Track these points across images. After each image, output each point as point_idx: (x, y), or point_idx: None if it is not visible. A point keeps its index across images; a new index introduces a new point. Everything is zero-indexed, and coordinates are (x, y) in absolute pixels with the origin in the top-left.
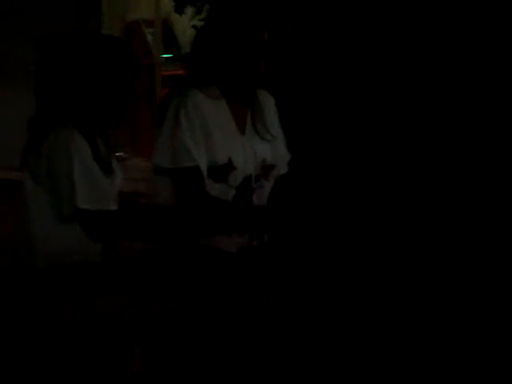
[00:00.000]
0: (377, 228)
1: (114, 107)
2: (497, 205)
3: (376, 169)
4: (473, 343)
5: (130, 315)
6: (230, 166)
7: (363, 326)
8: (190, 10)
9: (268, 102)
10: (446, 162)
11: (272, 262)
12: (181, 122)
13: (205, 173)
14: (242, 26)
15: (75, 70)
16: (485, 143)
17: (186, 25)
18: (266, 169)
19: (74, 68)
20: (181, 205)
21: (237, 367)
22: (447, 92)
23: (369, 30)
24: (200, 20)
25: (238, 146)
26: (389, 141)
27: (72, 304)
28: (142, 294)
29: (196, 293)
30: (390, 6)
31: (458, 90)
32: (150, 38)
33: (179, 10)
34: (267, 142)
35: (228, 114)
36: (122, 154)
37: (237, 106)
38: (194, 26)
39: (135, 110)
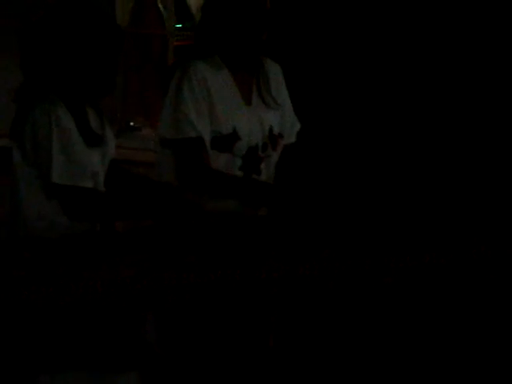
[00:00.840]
0: (379, 199)
1: (97, 76)
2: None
3: (381, 140)
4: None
5: (142, 285)
6: (234, 136)
7: (370, 295)
8: None
9: (274, 71)
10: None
11: (278, 231)
12: (184, 94)
13: (208, 144)
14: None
15: (57, 38)
16: (484, 141)
17: None
18: (273, 138)
19: (56, 38)
20: (180, 176)
21: (247, 336)
22: (449, 85)
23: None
24: None
25: (242, 116)
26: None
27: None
28: (152, 264)
29: (205, 263)
30: None
31: (460, 86)
32: (162, 8)
33: None
34: (274, 111)
35: (232, 85)
36: (133, 123)
37: (241, 75)
38: None
39: (132, 80)
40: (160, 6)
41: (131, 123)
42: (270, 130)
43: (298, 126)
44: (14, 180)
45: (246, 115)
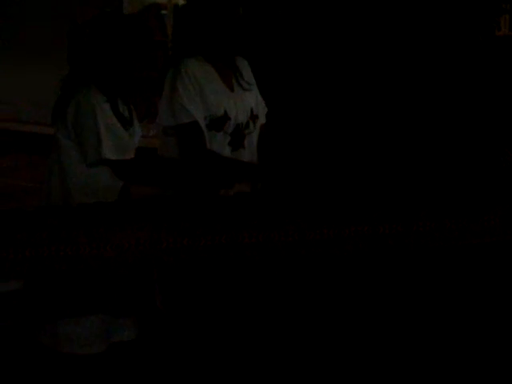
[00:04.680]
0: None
1: (130, 73)
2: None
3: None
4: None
5: (144, 247)
6: (225, 117)
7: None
8: None
9: (243, 64)
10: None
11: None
12: (177, 87)
13: (203, 126)
14: (218, 4)
15: (99, 42)
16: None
17: None
18: (253, 117)
19: (98, 40)
20: (185, 157)
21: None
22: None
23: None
24: None
25: (229, 100)
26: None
27: (94, 237)
28: (153, 228)
29: (198, 229)
30: None
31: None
32: (165, 19)
33: None
34: (251, 95)
35: (216, 77)
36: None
37: (222, 69)
38: None
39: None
40: (163, 12)
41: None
42: (251, 110)
43: (266, 110)
44: (58, 156)
45: (232, 99)
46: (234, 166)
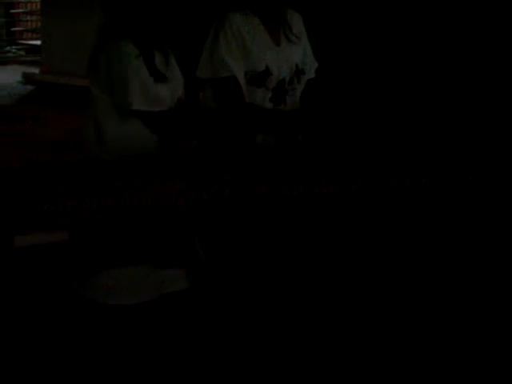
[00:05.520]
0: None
1: (163, 21)
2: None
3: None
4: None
5: (185, 199)
6: (267, 73)
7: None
8: None
9: (295, 18)
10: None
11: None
12: (219, 41)
13: (242, 81)
14: None
15: None
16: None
17: None
18: (297, 73)
19: None
20: (220, 109)
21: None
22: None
23: None
24: None
25: (273, 55)
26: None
27: (134, 188)
28: (194, 180)
29: (239, 181)
30: None
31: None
32: None
33: None
34: (297, 48)
35: (263, 31)
36: None
37: (270, 23)
38: None
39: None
40: None
41: None
42: (296, 66)
43: (316, 64)
44: (93, 108)
45: (276, 54)
46: (274, 115)
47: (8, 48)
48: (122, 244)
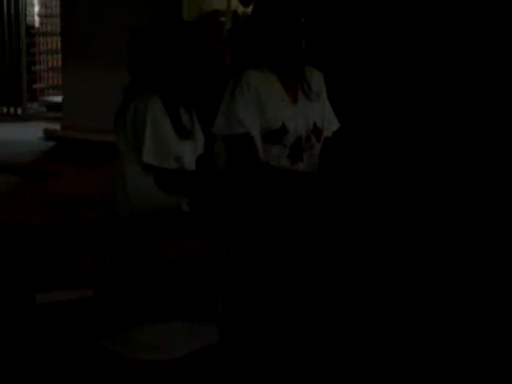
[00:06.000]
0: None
1: (188, 81)
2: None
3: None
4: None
5: (204, 255)
6: (283, 130)
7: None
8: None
9: (316, 75)
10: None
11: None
12: (236, 98)
13: (257, 139)
14: (282, 15)
15: (159, 49)
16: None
17: None
18: (316, 131)
19: (157, 47)
20: (231, 166)
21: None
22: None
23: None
24: None
25: (290, 113)
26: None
27: (154, 245)
28: (214, 237)
29: (258, 236)
30: None
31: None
32: (224, 25)
33: (245, 3)
34: (317, 108)
35: (280, 88)
36: None
37: (288, 80)
38: None
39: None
40: (222, 19)
41: None
42: (314, 123)
43: (336, 125)
44: (119, 162)
45: (293, 112)
46: (289, 176)
47: (29, 105)
48: (152, 300)
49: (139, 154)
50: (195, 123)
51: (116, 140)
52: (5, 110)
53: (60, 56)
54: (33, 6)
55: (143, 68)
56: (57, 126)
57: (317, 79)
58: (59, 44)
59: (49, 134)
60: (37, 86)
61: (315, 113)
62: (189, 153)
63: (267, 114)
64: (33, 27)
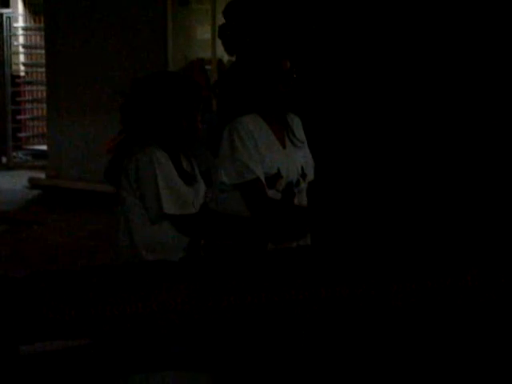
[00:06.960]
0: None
1: (182, 129)
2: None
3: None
4: None
5: (190, 305)
6: (278, 175)
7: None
8: None
9: (295, 121)
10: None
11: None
12: (236, 145)
13: (263, 181)
14: (266, 62)
15: (153, 102)
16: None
17: None
18: (303, 175)
19: (151, 100)
20: (254, 212)
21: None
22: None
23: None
24: None
25: (281, 157)
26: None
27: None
28: (201, 287)
29: (245, 287)
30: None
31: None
32: (209, 73)
33: (230, 51)
34: (302, 152)
35: (270, 134)
36: None
37: (275, 126)
38: None
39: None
40: (207, 67)
41: None
42: (302, 168)
43: (313, 166)
44: (124, 213)
45: (284, 157)
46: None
47: (15, 154)
48: (145, 349)
49: (149, 205)
50: (195, 169)
51: (120, 190)
52: None
53: (45, 105)
54: (18, 54)
55: (139, 121)
56: (42, 175)
57: (298, 126)
58: (44, 93)
59: (34, 183)
60: (22, 134)
61: (301, 158)
62: (196, 197)
63: (265, 159)
64: (18, 76)
